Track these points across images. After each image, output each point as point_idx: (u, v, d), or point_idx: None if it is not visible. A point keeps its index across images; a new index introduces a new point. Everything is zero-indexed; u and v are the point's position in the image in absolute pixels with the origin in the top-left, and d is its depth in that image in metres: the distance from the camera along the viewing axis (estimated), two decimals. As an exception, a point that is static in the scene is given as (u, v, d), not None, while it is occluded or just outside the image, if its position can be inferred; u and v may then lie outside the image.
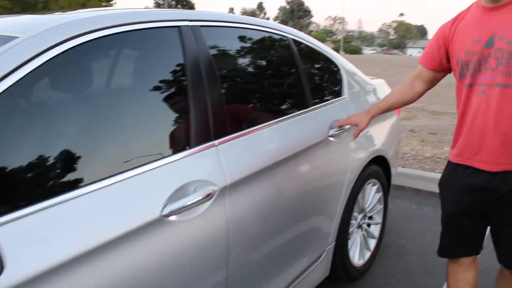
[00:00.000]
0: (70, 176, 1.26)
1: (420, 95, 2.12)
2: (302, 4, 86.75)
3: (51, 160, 1.24)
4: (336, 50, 64.44)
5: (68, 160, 1.27)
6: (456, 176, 1.90)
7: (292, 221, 2.05)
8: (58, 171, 1.24)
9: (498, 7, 1.70)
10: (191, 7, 64.62)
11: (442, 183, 2.02)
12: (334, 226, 2.47)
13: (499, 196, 1.78)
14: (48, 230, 1.13)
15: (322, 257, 2.42)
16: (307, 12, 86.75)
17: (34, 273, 1.06)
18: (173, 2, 63.73)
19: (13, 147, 1.17)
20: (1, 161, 1.13)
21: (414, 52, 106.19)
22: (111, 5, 34.97)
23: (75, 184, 1.25)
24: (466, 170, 1.85)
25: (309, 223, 2.21)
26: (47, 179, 1.21)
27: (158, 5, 62.28)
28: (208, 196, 1.50)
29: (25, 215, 1.11)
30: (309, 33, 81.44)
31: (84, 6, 23.25)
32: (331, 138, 2.32)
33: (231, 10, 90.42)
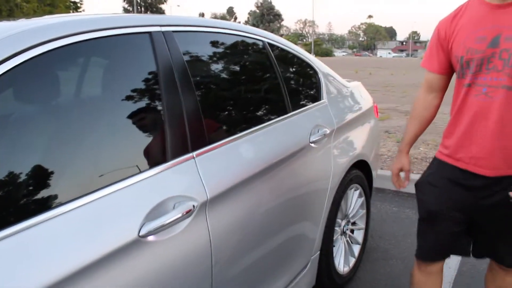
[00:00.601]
0: (35, 198, 1.14)
1: (438, 107, 1.97)
2: (272, 8, 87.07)
3: (11, 180, 1.12)
4: (308, 52, 64.89)
5: (32, 179, 1.15)
6: (444, 175, 1.82)
7: (276, 232, 1.96)
8: (19, 192, 1.12)
9: (506, 5, 1.59)
10: (161, 13, 64.17)
11: (423, 182, 1.93)
12: (319, 234, 2.39)
13: (489, 195, 1.71)
14: (10, 259, 1.01)
15: (307, 267, 2.34)
16: (277, 16, 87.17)
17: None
18: (142, 9, 63.06)
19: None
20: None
21: (384, 53, 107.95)
22: (78, 13, 34.30)
23: (41, 207, 1.13)
24: (458, 172, 1.77)
25: (293, 233, 2.12)
26: (7, 201, 1.09)
27: (126, 11, 61.56)
28: (188, 213, 1.40)
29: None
30: (280, 36, 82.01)
31: (50, 13, 22.74)
32: (312, 144, 2.24)
33: (202, 15, 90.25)
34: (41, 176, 1.18)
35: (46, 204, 1.14)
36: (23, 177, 1.13)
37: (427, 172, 1.94)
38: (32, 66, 1.22)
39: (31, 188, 1.15)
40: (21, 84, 1.21)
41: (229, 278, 1.64)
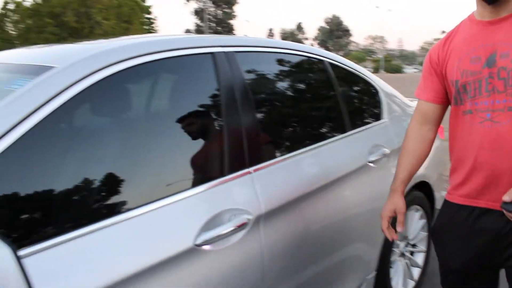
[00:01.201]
0: (103, 204, 1.26)
1: (433, 142, 1.73)
2: (341, 23, 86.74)
3: (82, 188, 1.24)
4: (377, 69, 63.87)
5: (102, 187, 1.27)
6: (460, 220, 1.58)
7: (330, 250, 1.98)
8: (91, 198, 1.24)
9: (498, 21, 1.45)
10: (230, 28, 65.74)
11: (438, 229, 1.70)
12: (375, 254, 2.37)
13: (509, 240, 1.49)
14: (78, 259, 1.12)
15: (361, 287, 2.32)
16: (346, 32, 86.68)
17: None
18: (214, 24, 65.04)
19: (51, 173, 1.18)
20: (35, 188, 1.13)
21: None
22: (153, 28, 35.99)
23: (108, 213, 1.24)
24: (472, 212, 1.54)
25: (348, 252, 2.13)
26: (80, 206, 1.21)
27: (199, 27, 63.67)
28: (243, 226, 1.46)
29: (55, 244, 1.10)
30: (349, 52, 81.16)
31: (127, 30, 24.03)
32: (370, 164, 2.24)
33: (270, 31, 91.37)
34: (112, 183, 1.30)
35: (115, 209, 1.25)
36: (97, 183, 1.26)
37: (440, 217, 1.71)
38: (107, 83, 1.35)
39: (103, 193, 1.27)
40: (98, 99, 1.34)
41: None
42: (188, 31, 62.76)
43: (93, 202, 1.25)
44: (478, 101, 1.46)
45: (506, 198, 1.30)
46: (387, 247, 2.46)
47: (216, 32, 62.47)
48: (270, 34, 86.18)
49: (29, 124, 1.15)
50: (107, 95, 1.37)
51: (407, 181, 1.74)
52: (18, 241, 1.01)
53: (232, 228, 1.43)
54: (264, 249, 1.56)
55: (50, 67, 1.30)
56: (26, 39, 21.55)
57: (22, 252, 0.99)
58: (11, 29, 23.95)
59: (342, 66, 2.46)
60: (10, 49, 1.88)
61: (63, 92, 1.24)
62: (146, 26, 30.23)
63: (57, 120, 1.21)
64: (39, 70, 1.30)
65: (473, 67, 1.47)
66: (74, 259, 1.12)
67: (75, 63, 1.32)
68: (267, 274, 1.58)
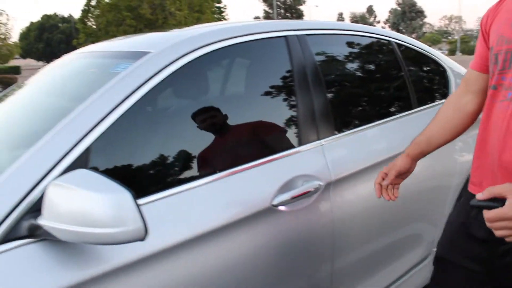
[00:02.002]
0: (197, 168, 1.53)
1: (473, 117, 1.49)
2: (414, 5, 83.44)
3: (192, 153, 1.51)
4: (453, 51, 60.84)
5: (190, 155, 1.51)
6: (462, 209, 1.47)
7: (396, 221, 2.11)
8: (188, 162, 1.48)
9: None
10: (299, 14, 65.32)
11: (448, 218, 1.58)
12: (440, 229, 2.45)
13: (508, 249, 1.30)
14: (183, 209, 1.37)
15: (427, 259, 2.42)
16: (419, 13, 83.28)
17: (173, 243, 1.29)
18: (282, 11, 64.99)
19: (153, 144, 1.43)
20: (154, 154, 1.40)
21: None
22: (223, 17, 36.63)
23: (202, 175, 1.49)
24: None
25: (414, 224, 2.24)
26: (189, 168, 1.49)
27: (267, 14, 63.89)
28: (314, 190, 1.64)
29: (165, 196, 1.35)
30: (423, 34, 77.95)
31: (199, 19, 24.70)
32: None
33: (340, 16, 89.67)
34: (208, 150, 1.55)
35: (208, 172, 1.50)
36: (193, 150, 1.50)
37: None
38: (195, 64, 1.57)
39: (197, 159, 1.51)
40: (187, 79, 1.57)
41: (349, 256, 1.85)
42: (257, 18, 63.12)
43: (188, 166, 1.49)
44: (505, 76, 1.25)
45: (480, 196, 1.10)
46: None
47: (284, 18, 62.32)
48: (340, 19, 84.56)
49: (134, 98, 1.39)
50: (195, 75, 1.60)
51: (422, 147, 1.54)
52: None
53: (304, 191, 1.61)
54: (334, 215, 1.74)
55: (147, 52, 1.54)
56: (106, 32, 22.88)
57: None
58: (93, 23, 25.49)
59: (409, 46, 2.55)
60: (98, 42, 2.18)
61: (159, 72, 1.47)
62: (216, 15, 30.89)
63: (156, 94, 1.45)
64: (137, 55, 1.54)
65: (510, 33, 1.24)
66: (178, 211, 1.36)
67: (168, 48, 1.55)
68: (337, 238, 1.76)
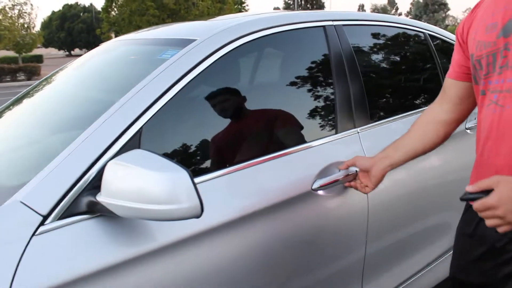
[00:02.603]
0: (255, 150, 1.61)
1: (448, 129, 1.47)
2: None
3: (234, 139, 1.59)
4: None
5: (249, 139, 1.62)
6: (467, 222, 1.42)
7: (427, 209, 2.14)
8: (237, 148, 1.55)
9: None
10: (320, 5, 64.85)
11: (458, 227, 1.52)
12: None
13: (510, 257, 1.27)
14: (232, 189, 1.45)
15: (450, 251, 2.44)
16: (442, 6, 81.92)
17: (223, 221, 1.36)
18: (302, 2, 64.59)
19: (197, 129, 1.49)
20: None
21: None
22: (243, 8, 36.55)
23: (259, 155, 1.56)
24: (476, 214, 1.22)
25: (441, 214, 2.27)
26: (233, 152, 1.56)
27: (287, 5, 63.57)
28: (351, 175, 1.68)
29: (216, 176, 1.42)
30: (446, 27, 76.72)
31: (221, 10, 24.72)
32: (468, 131, 2.35)
33: (361, 7, 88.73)
34: (255, 136, 1.61)
35: (252, 156, 1.55)
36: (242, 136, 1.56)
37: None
38: (239, 52, 1.61)
39: (255, 141, 1.58)
40: (231, 66, 1.62)
41: (381, 241, 1.89)
42: (276, 8, 62.87)
43: (232, 150, 1.55)
44: (492, 79, 1.21)
45: (469, 188, 1.11)
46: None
47: (304, 9, 61.93)
48: (361, 10, 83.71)
49: (183, 83, 1.44)
50: (237, 63, 1.65)
51: (389, 152, 1.53)
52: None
53: (342, 177, 1.65)
54: (369, 201, 1.77)
55: (193, 40, 1.59)
56: (130, 22, 23.06)
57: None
58: (116, 13, 25.69)
59: (442, 37, 2.56)
60: (121, 31, 2.25)
61: (206, 59, 1.52)
62: (237, 5, 30.86)
63: (201, 81, 1.50)
64: (184, 42, 1.59)
65: (488, 37, 1.21)
66: (226, 190, 1.43)
67: (213, 36, 1.60)
68: (371, 223, 1.80)
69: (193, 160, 1.48)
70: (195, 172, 1.38)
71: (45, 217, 1.12)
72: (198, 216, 1.09)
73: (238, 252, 1.42)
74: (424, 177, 2.09)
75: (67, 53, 60.82)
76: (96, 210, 1.17)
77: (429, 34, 2.46)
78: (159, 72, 1.43)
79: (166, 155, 1.37)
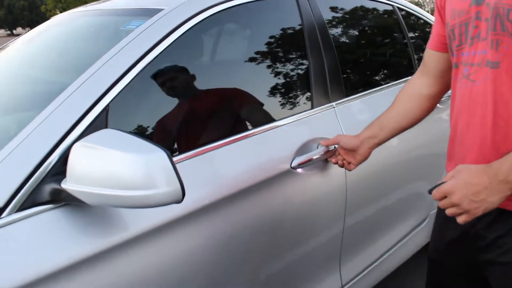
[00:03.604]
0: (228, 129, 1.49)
1: (430, 102, 1.40)
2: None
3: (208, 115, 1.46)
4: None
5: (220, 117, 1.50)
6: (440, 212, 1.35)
7: (401, 184, 2.12)
8: (211, 125, 1.44)
9: None
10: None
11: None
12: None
13: (486, 245, 1.19)
14: (205, 171, 1.33)
15: (425, 222, 2.45)
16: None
17: (201, 205, 1.26)
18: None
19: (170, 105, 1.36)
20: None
21: None
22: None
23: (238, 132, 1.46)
24: None
25: (416, 186, 2.26)
26: (207, 130, 1.44)
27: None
28: (331, 152, 1.60)
29: (186, 158, 1.30)
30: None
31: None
32: (439, 105, 2.31)
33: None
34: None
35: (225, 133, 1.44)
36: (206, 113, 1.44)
37: None
38: (203, 26, 1.49)
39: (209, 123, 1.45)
40: (201, 38, 1.49)
41: (358, 217, 1.85)
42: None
43: (205, 128, 1.44)
44: (464, 51, 1.13)
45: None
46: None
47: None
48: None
49: (152, 55, 1.30)
50: (209, 34, 1.53)
51: (374, 130, 1.48)
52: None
53: (321, 154, 1.58)
54: (347, 177, 1.71)
55: (160, 9, 1.45)
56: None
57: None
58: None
59: (410, 11, 2.52)
60: (68, 8, 2.06)
61: (176, 30, 1.39)
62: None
63: (172, 53, 1.38)
64: (150, 12, 1.45)
65: (462, 5, 1.12)
66: (202, 170, 1.32)
67: (183, 4, 1.46)
68: (349, 199, 1.74)
69: (162, 139, 1.36)
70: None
71: (1, 210, 0.99)
72: (179, 201, 0.98)
73: (217, 238, 1.33)
74: (398, 151, 2.06)
75: (8, 32, 57.76)
76: (61, 199, 1.04)
77: (397, 7, 2.41)
78: (125, 43, 1.29)
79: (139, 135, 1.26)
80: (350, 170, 1.55)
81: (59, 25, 1.87)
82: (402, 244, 2.24)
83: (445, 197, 1.04)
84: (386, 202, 2.03)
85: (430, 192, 1.08)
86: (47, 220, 1.03)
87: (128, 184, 0.95)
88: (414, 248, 2.42)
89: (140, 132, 1.29)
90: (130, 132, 1.03)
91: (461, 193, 1.01)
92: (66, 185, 1.01)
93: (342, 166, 1.54)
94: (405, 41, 2.36)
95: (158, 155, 0.95)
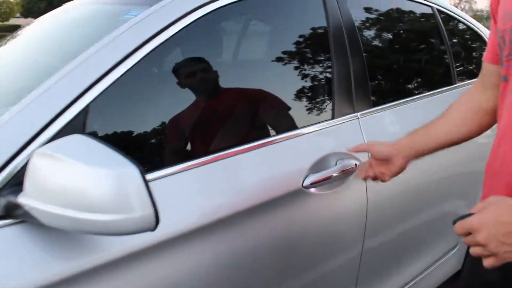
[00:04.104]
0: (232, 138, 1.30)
1: (491, 119, 1.15)
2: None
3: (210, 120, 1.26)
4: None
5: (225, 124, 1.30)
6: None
7: (429, 206, 1.89)
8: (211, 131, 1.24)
9: None
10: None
11: None
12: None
13: None
14: (196, 187, 1.14)
15: (455, 249, 2.22)
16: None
17: (182, 231, 1.06)
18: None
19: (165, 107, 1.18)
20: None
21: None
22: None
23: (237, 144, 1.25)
24: None
25: (447, 209, 2.02)
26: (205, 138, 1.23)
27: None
28: (350, 171, 1.40)
29: (181, 170, 1.11)
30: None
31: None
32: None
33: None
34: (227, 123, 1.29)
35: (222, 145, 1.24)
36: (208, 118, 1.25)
37: None
38: (210, 19, 1.30)
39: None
40: (201, 36, 1.31)
41: (378, 244, 1.63)
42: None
43: (203, 136, 1.25)
44: None
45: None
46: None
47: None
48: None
49: (148, 49, 1.12)
50: (220, 28, 1.34)
51: (415, 138, 1.26)
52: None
53: (339, 173, 1.37)
54: (369, 198, 1.50)
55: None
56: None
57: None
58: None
59: (451, 14, 2.28)
60: None
61: (178, 21, 1.20)
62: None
63: (173, 47, 1.20)
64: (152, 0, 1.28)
65: None
66: (195, 188, 1.13)
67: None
68: (369, 224, 1.53)
69: (156, 148, 1.17)
70: (156, 164, 1.09)
71: None
72: (152, 229, 0.80)
73: (211, 263, 1.14)
74: (427, 168, 1.83)
75: (47, 24, 59.05)
76: (17, 215, 0.87)
77: (437, 9, 2.17)
78: (117, 34, 1.12)
79: (121, 142, 1.08)
80: (384, 181, 1.29)
81: (62, 13, 1.72)
82: (427, 274, 2.01)
83: (470, 233, 0.83)
84: (413, 227, 1.80)
85: (454, 223, 0.87)
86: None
87: (93, 205, 0.77)
88: (442, 278, 2.19)
89: (126, 138, 1.11)
90: (102, 141, 0.84)
91: (488, 231, 0.80)
92: (23, 199, 0.84)
93: (374, 179, 1.29)
94: (443, 47, 2.12)
95: (129, 171, 0.77)
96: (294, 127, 1.38)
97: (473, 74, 2.28)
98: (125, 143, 1.10)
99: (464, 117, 1.20)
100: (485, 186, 1.07)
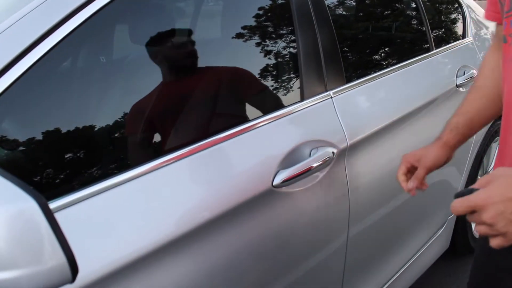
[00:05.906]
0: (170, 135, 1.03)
1: None
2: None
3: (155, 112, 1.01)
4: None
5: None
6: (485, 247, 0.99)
7: (420, 200, 1.72)
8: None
9: None
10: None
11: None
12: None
13: None
14: (146, 199, 0.91)
15: (443, 227, 2.09)
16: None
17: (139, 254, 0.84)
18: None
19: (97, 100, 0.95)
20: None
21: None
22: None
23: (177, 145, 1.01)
24: None
25: (432, 188, 1.85)
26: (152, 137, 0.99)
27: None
28: (327, 161, 1.20)
29: (118, 183, 0.88)
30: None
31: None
32: (459, 88, 1.91)
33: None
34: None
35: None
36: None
37: None
38: None
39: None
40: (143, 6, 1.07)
41: (365, 235, 1.47)
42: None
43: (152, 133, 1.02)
44: None
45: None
46: (470, 184, 2.18)
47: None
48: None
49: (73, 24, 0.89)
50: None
51: (463, 129, 1.10)
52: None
53: (314, 165, 1.17)
54: (350, 188, 1.32)
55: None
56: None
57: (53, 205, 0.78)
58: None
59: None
60: None
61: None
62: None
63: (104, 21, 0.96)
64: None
65: None
66: (139, 202, 0.90)
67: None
68: (354, 217, 1.35)
69: (86, 154, 0.94)
70: (85, 172, 0.86)
71: None
72: (70, 281, 0.58)
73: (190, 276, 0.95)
74: (413, 144, 1.64)
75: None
76: None
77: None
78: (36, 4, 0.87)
79: (29, 151, 0.85)
80: (423, 190, 1.13)
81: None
82: (417, 257, 1.87)
83: (474, 211, 0.70)
84: (399, 210, 1.64)
85: (455, 197, 0.74)
86: None
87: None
88: (431, 260, 2.05)
89: (35, 147, 0.87)
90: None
91: (496, 209, 0.68)
92: None
93: (421, 188, 1.13)
94: (416, 12, 1.93)
95: (27, 206, 0.54)
96: (256, 115, 1.16)
97: (452, 38, 2.11)
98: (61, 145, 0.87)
99: (492, 80, 1.05)
100: (498, 154, 0.98)
